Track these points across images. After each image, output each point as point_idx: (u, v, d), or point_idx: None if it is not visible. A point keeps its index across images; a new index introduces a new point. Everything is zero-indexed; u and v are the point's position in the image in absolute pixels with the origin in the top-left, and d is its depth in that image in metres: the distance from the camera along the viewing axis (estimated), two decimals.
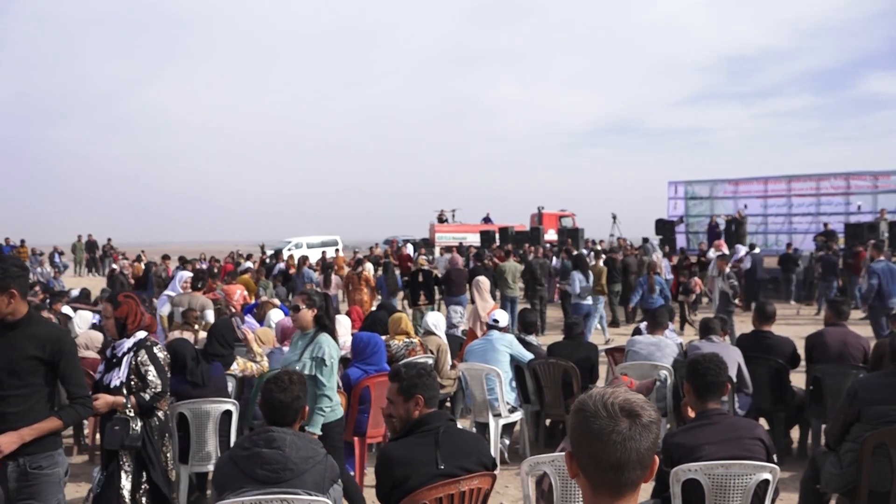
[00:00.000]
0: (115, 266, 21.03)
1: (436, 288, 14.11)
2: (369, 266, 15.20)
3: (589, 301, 12.80)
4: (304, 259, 16.15)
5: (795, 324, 14.42)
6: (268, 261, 22.73)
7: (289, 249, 31.11)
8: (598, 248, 19.24)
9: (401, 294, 15.85)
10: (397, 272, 16.55)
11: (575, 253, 15.70)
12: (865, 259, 13.46)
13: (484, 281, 11.79)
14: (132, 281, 17.23)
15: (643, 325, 7.68)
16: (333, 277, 14.91)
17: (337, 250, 26.45)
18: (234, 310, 9.73)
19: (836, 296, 15.27)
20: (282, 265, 16.22)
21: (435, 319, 7.57)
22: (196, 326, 7.49)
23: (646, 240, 21.25)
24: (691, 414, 3.75)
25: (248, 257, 24.52)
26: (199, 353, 5.57)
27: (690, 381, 3.69)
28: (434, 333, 7.35)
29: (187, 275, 9.95)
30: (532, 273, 14.70)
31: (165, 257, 19.49)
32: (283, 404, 3.24)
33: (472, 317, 10.02)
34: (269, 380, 3.38)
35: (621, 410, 1.58)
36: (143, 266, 19.15)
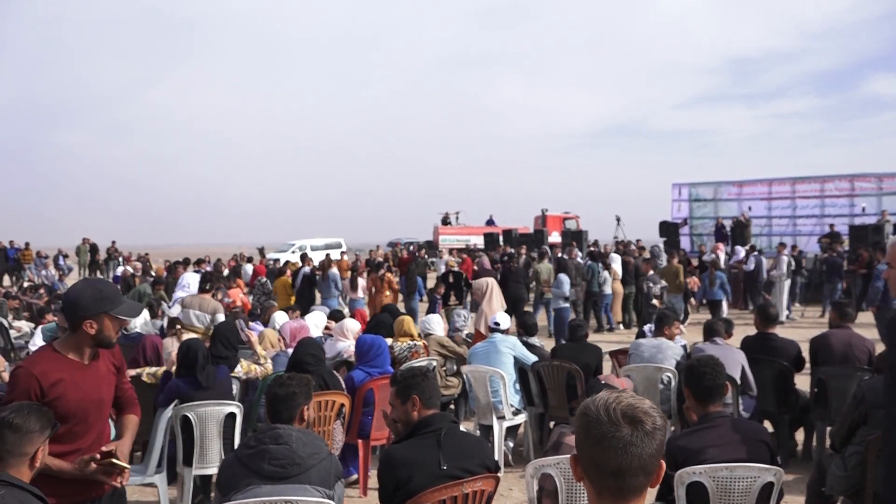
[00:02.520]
0: (128, 268, 20.93)
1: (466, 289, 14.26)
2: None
3: (560, 304, 12.82)
4: (329, 261, 15.99)
5: (800, 326, 14.38)
6: (270, 265, 22.65)
7: (292, 252, 31.10)
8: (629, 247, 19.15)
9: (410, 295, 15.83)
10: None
11: (560, 257, 15.73)
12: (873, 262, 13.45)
13: (495, 284, 11.73)
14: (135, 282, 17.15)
15: (647, 327, 7.69)
16: (360, 280, 14.76)
17: (342, 253, 26.43)
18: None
19: (841, 298, 15.29)
20: (307, 269, 15.81)
21: (429, 320, 7.64)
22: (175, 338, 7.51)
23: (637, 241, 21.39)
24: (694, 417, 3.75)
25: (249, 259, 24.49)
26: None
27: (689, 386, 3.69)
28: (432, 333, 7.38)
29: (195, 278, 10.00)
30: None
31: (186, 262, 19.22)
32: (279, 398, 3.33)
33: (479, 319, 9.97)
34: (272, 379, 3.50)
35: (623, 416, 1.56)
36: (164, 268, 19.08)
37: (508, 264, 15.67)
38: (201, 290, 9.28)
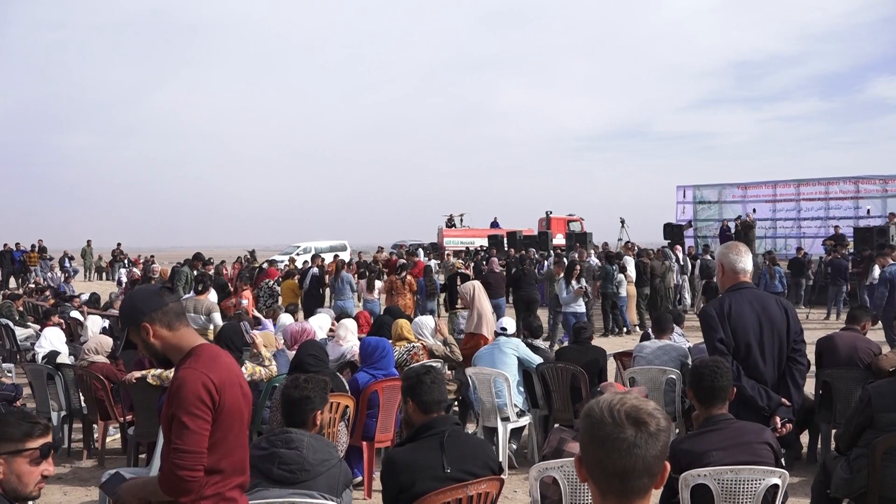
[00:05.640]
0: (135, 270, 20.92)
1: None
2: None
3: (581, 308, 12.64)
4: (342, 263, 15.77)
5: (804, 328, 14.33)
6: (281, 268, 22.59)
7: (297, 254, 31.11)
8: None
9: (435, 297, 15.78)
10: (440, 278, 16.25)
11: (567, 260, 15.69)
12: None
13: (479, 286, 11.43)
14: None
15: (651, 330, 7.68)
16: (377, 282, 14.54)
17: (336, 255, 26.48)
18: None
19: (846, 300, 15.28)
20: (315, 270, 15.52)
21: (421, 323, 7.54)
22: None
23: (629, 242, 21.49)
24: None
25: (271, 263, 24.45)
26: None
27: (693, 388, 3.67)
28: (422, 337, 7.32)
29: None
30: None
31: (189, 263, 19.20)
32: (292, 400, 3.32)
33: (478, 322, 9.80)
34: (288, 379, 3.52)
35: (627, 418, 1.56)
36: (169, 270, 19.12)
37: (522, 266, 15.67)
38: (195, 291, 9.34)
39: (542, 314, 13.37)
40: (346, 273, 14.72)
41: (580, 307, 12.58)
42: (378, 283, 14.57)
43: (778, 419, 3.92)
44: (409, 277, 14.34)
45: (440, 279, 17.86)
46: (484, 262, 20.03)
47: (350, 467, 5.74)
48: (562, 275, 13.95)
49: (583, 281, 12.82)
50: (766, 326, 4.02)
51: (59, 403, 7.15)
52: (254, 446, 3.27)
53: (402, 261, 18.54)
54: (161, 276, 17.93)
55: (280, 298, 14.71)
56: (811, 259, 19.15)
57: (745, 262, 4.15)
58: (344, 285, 14.39)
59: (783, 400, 3.96)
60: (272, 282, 15.98)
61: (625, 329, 15.03)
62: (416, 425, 3.35)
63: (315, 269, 15.49)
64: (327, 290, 15.70)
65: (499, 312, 12.68)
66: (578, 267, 13.05)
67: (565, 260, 15.70)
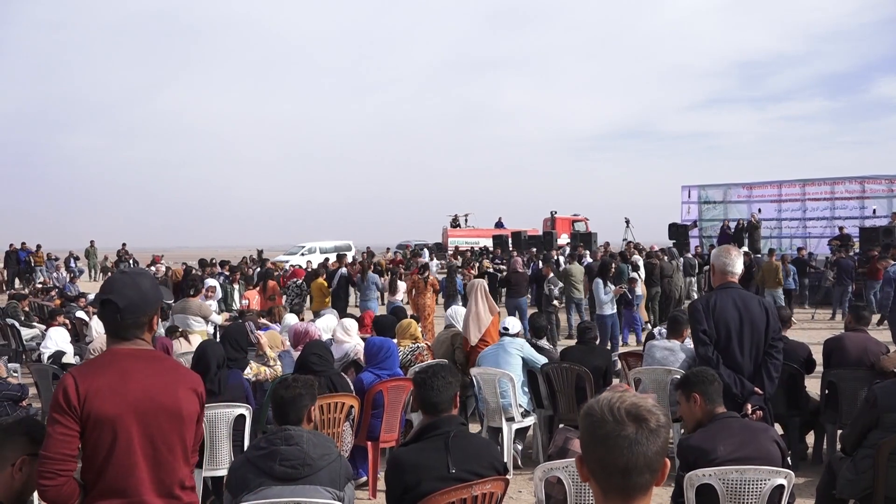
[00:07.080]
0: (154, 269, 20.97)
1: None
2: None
3: (612, 310, 12.55)
4: (369, 263, 15.80)
5: (810, 328, 14.32)
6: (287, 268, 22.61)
7: (302, 254, 31.15)
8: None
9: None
10: (460, 278, 16.24)
11: (599, 261, 15.61)
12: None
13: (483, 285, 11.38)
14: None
15: (656, 329, 7.68)
16: (399, 283, 14.55)
17: (354, 255, 26.47)
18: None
19: (851, 300, 15.26)
20: (344, 270, 15.45)
21: (456, 313, 7.93)
22: (182, 339, 7.63)
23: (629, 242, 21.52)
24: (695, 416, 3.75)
25: (265, 262, 24.52)
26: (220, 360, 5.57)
27: (702, 391, 3.68)
28: (452, 325, 7.72)
29: (211, 282, 10.21)
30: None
31: (203, 263, 19.27)
32: (285, 400, 3.33)
33: (467, 325, 9.48)
34: (276, 381, 3.54)
35: (627, 415, 1.58)
36: (182, 271, 19.19)
37: (545, 266, 15.71)
38: (186, 294, 9.50)
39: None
40: (373, 274, 14.72)
41: (613, 309, 12.45)
42: (401, 284, 14.55)
43: (749, 406, 4.32)
44: (431, 277, 14.33)
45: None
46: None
47: (355, 467, 5.76)
48: (551, 275, 14.02)
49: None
50: (747, 322, 4.44)
51: None
52: (252, 447, 3.28)
53: (424, 260, 18.48)
54: (174, 278, 17.95)
55: (309, 298, 14.79)
56: (816, 258, 19.10)
57: (735, 264, 4.57)
58: (370, 285, 14.40)
59: (756, 389, 4.39)
60: (300, 280, 15.96)
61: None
62: (422, 425, 3.35)
63: (343, 270, 15.51)
64: (352, 290, 15.78)
65: (520, 311, 12.80)
66: (614, 267, 12.95)
67: (569, 258, 15.71)
